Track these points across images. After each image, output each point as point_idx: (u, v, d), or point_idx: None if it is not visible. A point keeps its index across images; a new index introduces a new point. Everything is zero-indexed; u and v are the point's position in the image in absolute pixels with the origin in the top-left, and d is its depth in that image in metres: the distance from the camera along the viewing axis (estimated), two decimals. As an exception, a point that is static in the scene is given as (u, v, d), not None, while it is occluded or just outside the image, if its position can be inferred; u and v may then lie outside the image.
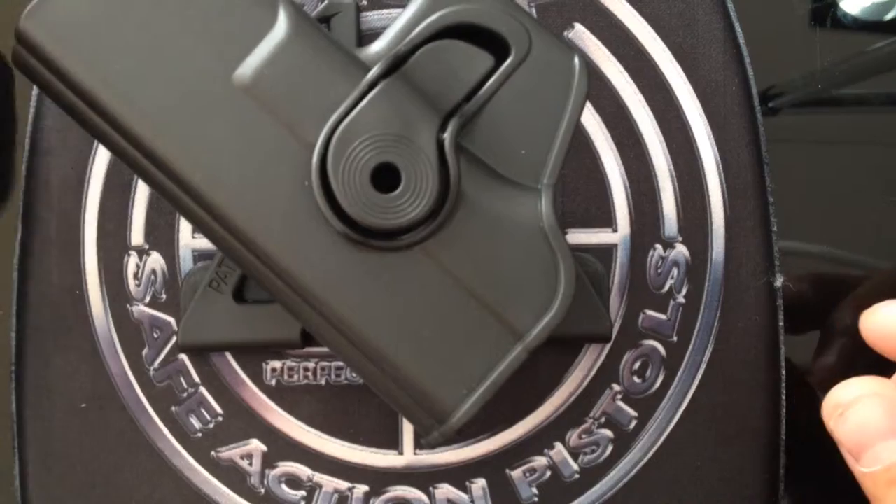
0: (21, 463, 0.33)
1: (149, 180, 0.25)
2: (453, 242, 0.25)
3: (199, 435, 0.33)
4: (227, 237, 0.25)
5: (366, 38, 0.33)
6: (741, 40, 0.34)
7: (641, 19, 0.33)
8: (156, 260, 0.33)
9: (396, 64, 0.25)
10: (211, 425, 0.33)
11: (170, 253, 0.33)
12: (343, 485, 0.33)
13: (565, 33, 0.33)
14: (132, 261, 0.33)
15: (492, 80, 0.25)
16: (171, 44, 0.24)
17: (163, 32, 0.24)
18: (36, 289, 0.33)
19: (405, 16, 0.26)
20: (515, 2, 0.26)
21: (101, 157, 0.33)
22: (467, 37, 0.25)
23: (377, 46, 0.26)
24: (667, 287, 0.33)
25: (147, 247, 0.33)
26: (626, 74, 0.33)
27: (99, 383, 0.33)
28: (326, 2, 0.32)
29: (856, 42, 0.38)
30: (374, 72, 0.24)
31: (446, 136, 0.24)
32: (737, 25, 0.34)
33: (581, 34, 0.33)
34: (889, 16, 0.38)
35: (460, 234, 0.25)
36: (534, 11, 0.33)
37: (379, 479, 0.33)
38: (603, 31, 0.33)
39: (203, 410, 0.33)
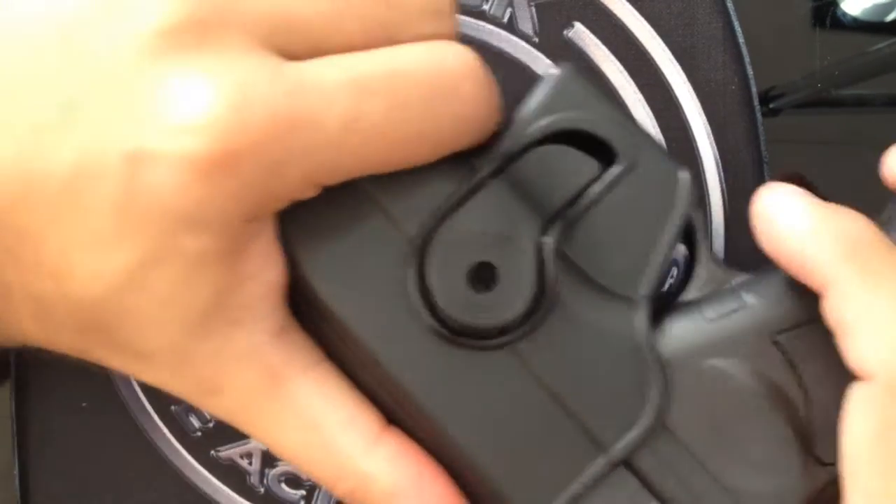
0: (21, 462, 0.33)
1: None
2: (544, 347, 0.24)
3: (199, 434, 0.33)
4: (320, 323, 0.25)
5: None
6: (741, 40, 0.34)
7: (641, 18, 0.33)
8: (156, 259, 0.33)
9: (505, 165, 0.25)
10: (210, 424, 0.33)
11: (170, 252, 0.33)
12: (342, 484, 0.33)
13: (564, 32, 0.33)
14: (132, 259, 0.33)
15: (596, 187, 0.25)
16: None
17: None
18: (36, 287, 0.33)
19: (520, 112, 0.25)
20: (624, 112, 0.26)
21: (102, 156, 0.33)
22: (574, 141, 0.25)
23: None
24: (666, 286, 0.33)
25: (147, 245, 0.33)
26: (625, 73, 0.33)
27: (98, 382, 0.33)
28: None
29: (856, 43, 0.38)
30: (482, 172, 0.24)
31: (548, 239, 0.24)
32: (737, 25, 0.34)
33: (580, 33, 0.33)
34: (889, 17, 0.38)
35: (551, 339, 0.24)
36: (533, 10, 0.33)
37: (378, 478, 0.33)
38: (602, 30, 0.33)
39: (202, 409, 0.33)
